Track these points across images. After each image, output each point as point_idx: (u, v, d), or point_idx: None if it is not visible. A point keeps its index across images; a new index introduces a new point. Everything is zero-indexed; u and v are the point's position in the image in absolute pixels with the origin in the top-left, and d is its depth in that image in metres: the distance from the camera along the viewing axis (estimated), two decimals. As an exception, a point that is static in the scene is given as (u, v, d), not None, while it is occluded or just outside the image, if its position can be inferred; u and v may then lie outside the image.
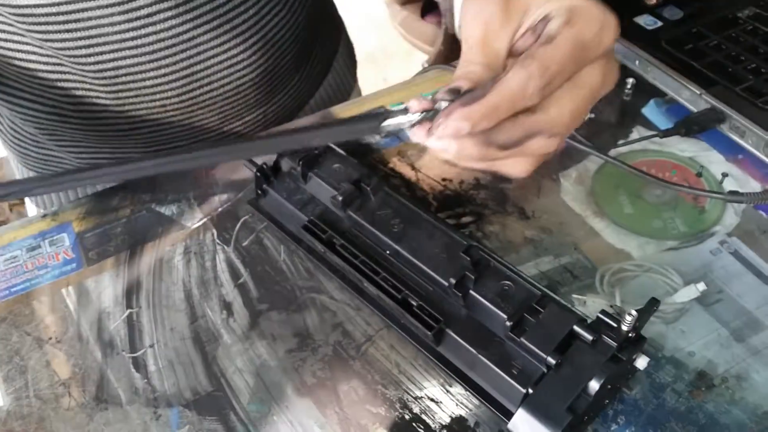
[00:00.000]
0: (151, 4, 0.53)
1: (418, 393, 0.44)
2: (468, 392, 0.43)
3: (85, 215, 0.57)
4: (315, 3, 0.67)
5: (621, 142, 0.59)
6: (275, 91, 0.66)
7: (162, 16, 0.54)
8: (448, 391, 0.44)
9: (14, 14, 0.52)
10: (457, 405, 0.43)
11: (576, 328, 0.38)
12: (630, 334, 0.37)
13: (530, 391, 0.39)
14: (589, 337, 0.38)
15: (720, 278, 0.49)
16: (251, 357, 0.47)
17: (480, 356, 0.41)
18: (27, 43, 0.56)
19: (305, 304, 0.49)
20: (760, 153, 0.55)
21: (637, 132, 0.60)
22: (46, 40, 0.54)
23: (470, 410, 0.43)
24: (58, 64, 0.57)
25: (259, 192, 0.54)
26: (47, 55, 0.57)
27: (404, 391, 0.44)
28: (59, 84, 0.59)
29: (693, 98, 0.59)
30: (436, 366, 0.45)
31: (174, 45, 0.56)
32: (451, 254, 0.44)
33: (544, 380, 0.38)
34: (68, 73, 0.58)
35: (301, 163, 0.51)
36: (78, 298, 0.51)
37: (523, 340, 0.39)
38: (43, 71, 0.58)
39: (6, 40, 0.56)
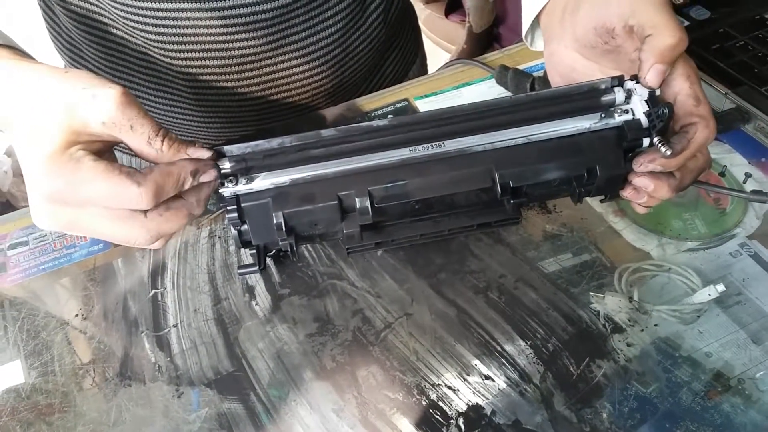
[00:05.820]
0: (249, 14, 0.54)
1: (435, 380, 0.45)
2: (485, 381, 0.44)
3: (112, 197, 0.58)
4: (393, 20, 0.68)
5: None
6: (347, 96, 0.67)
7: (258, 25, 0.55)
8: (465, 379, 0.45)
9: (112, 2, 0.54)
10: (474, 393, 0.44)
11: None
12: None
13: None
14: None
15: (739, 280, 0.49)
16: (272, 340, 0.48)
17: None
18: (118, 27, 0.58)
19: (326, 290, 0.50)
20: (784, 154, 0.55)
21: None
22: (140, 30, 0.56)
23: (487, 399, 0.44)
24: (146, 53, 0.59)
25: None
26: (137, 43, 0.58)
27: (422, 378, 0.45)
28: (144, 70, 0.61)
29: (718, 98, 0.59)
30: (454, 354, 0.45)
31: (262, 52, 0.58)
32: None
33: None
34: (154, 62, 0.60)
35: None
36: (104, 278, 0.52)
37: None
38: (131, 56, 0.60)
39: (98, 21, 0.59)
